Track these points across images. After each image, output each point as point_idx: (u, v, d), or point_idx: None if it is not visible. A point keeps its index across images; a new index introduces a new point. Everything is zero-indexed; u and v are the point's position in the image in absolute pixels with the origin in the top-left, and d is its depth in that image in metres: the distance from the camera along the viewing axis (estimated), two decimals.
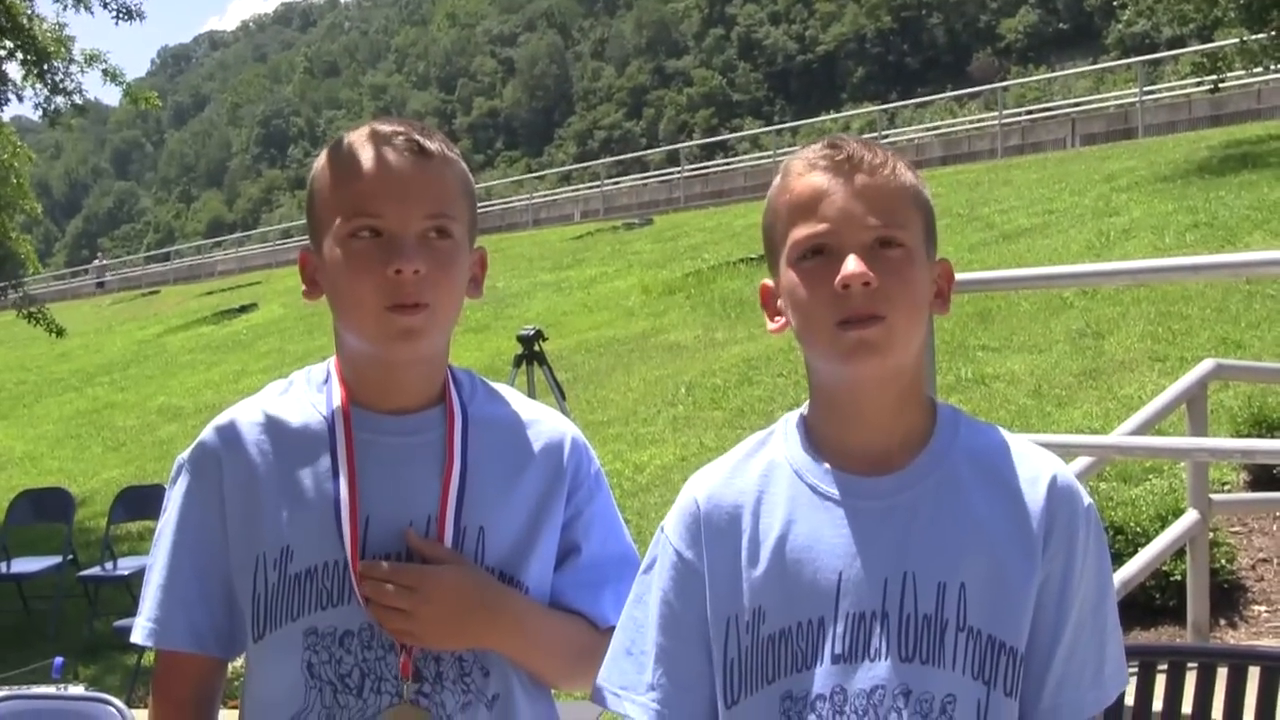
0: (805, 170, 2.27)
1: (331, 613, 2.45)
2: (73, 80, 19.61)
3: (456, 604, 2.43)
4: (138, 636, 2.55)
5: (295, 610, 2.46)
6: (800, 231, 2.23)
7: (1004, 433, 2.35)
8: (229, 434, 2.56)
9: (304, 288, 2.58)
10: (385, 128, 2.48)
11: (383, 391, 2.53)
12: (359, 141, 2.48)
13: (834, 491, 2.27)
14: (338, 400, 2.54)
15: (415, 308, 2.39)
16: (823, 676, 2.20)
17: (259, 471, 2.51)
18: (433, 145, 2.47)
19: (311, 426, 2.54)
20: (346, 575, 2.45)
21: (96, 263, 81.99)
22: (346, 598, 2.44)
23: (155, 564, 2.58)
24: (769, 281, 2.36)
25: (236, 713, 2.60)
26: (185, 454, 2.60)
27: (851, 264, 2.15)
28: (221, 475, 2.53)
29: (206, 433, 2.58)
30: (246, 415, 2.58)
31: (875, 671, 2.18)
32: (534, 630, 2.53)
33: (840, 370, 2.23)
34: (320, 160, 2.53)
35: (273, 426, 2.55)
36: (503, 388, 2.72)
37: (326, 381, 2.58)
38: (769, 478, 2.34)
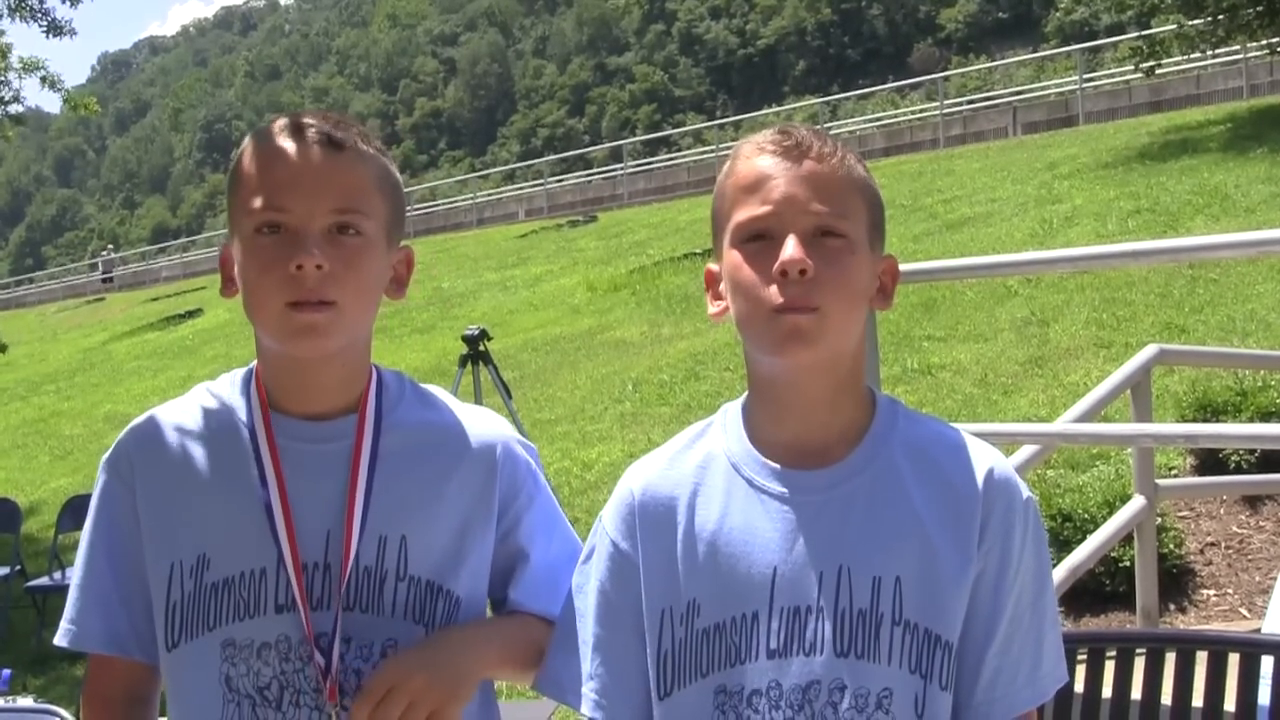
0: (753, 154, 2.27)
1: (249, 624, 2.40)
2: (10, 89, 19.51)
3: (427, 661, 2.37)
4: (57, 638, 2.52)
5: (211, 620, 2.41)
6: (743, 214, 2.23)
7: (946, 425, 2.36)
8: (144, 436, 2.52)
9: (222, 284, 2.53)
10: (299, 120, 2.42)
11: (297, 394, 2.48)
12: (271, 134, 2.42)
13: (770, 484, 2.27)
14: (257, 405, 2.48)
15: (319, 305, 2.33)
16: (758, 671, 2.21)
17: (174, 476, 2.47)
18: (344, 137, 2.40)
19: (230, 431, 2.49)
20: (264, 585, 2.40)
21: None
22: (264, 609, 2.39)
23: (77, 566, 2.54)
24: (714, 266, 2.36)
25: None
26: (105, 455, 2.55)
27: (790, 248, 2.15)
28: (134, 477, 2.49)
29: (123, 434, 2.54)
30: (165, 418, 2.53)
31: (811, 666, 2.18)
32: (495, 652, 2.49)
33: (774, 359, 2.22)
34: (237, 152, 2.48)
35: (190, 431, 2.50)
36: (437, 390, 2.65)
37: (248, 384, 2.53)
38: (706, 469, 2.34)
